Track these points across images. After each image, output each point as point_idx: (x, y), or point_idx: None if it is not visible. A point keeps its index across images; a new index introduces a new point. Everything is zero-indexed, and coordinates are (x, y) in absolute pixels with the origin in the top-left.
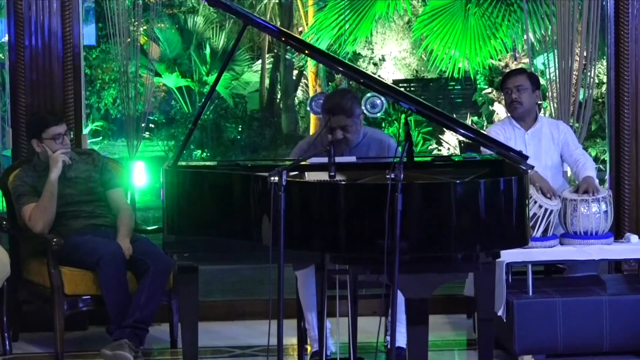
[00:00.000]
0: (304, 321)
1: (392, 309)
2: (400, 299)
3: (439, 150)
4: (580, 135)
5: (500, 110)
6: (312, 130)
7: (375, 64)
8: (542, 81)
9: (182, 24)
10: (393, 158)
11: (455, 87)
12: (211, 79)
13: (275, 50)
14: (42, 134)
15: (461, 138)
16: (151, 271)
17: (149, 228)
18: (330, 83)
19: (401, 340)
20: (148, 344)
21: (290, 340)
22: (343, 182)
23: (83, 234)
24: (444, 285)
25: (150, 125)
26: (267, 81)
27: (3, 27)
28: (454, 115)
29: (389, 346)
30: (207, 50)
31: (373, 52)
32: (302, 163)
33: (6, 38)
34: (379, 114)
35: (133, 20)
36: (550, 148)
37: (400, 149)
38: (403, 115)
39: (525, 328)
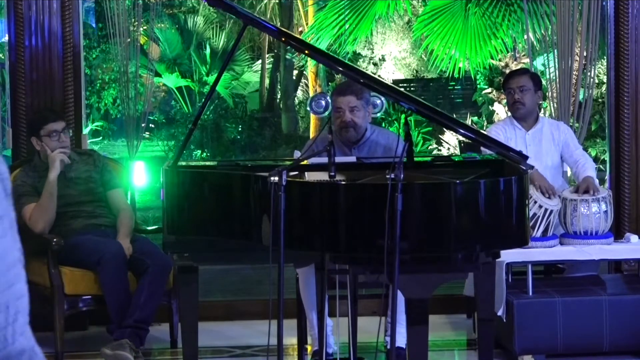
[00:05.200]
0: (306, 320)
1: (392, 308)
2: (400, 299)
3: (439, 150)
4: (580, 135)
5: (500, 110)
6: (312, 130)
7: (375, 64)
8: (542, 81)
9: (182, 24)
10: (393, 158)
11: (455, 87)
12: (211, 79)
13: (275, 50)
14: (40, 130)
15: (461, 138)
16: (150, 271)
17: (149, 228)
18: (330, 83)
19: (401, 341)
20: (148, 344)
21: (290, 340)
22: (343, 182)
23: (83, 234)
24: (444, 285)
25: (150, 125)
26: (267, 81)
27: (3, 27)
28: (454, 115)
29: (388, 346)
30: (207, 50)
31: (373, 52)
32: (302, 163)
33: (6, 38)
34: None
35: (133, 20)
36: (551, 148)
37: (400, 149)
38: (403, 115)
39: (525, 328)
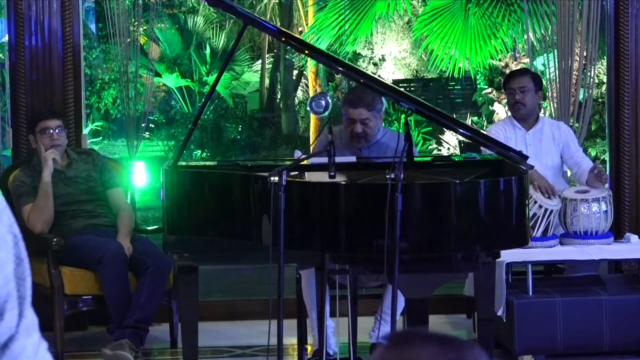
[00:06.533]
0: (306, 320)
1: (392, 308)
2: (389, 299)
3: (439, 150)
4: (580, 135)
5: (500, 110)
6: (312, 130)
7: (375, 64)
8: (542, 81)
9: (182, 24)
10: (393, 158)
11: (455, 87)
12: (211, 79)
13: (275, 50)
14: (35, 127)
15: (461, 138)
16: (150, 271)
17: (149, 228)
18: (330, 83)
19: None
20: (148, 344)
21: (290, 340)
22: (343, 182)
23: (83, 233)
24: (444, 285)
25: (150, 125)
26: (267, 81)
27: (3, 27)
28: (454, 115)
29: (372, 340)
30: (207, 50)
31: (373, 52)
32: (302, 163)
33: (6, 38)
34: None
35: (133, 20)
36: (551, 148)
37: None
38: (403, 115)
39: (525, 328)
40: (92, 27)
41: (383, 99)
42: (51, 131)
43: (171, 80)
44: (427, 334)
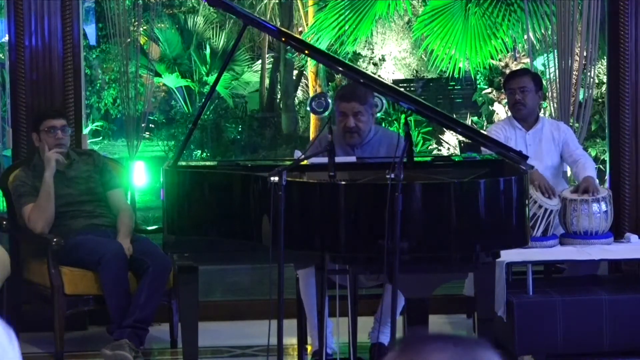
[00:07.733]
0: (306, 320)
1: (392, 308)
2: (389, 300)
3: (439, 150)
4: (580, 135)
5: (500, 110)
6: (312, 130)
7: (375, 64)
8: (543, 81)
9: (182, 24)
10: (393, 158)
11: (455, 87)
12: (211, 79)
13: (275, 50)
14: (40, 126)
15: (461, 138)
16: (151, 271)
17: (149, 228)
18: (330, 83)
19: (384, 339)
20: (148, 344)
21: (290, 340)
22: (343, 182)
23: (83, 233)
24: (444, 285)
25: (150, 125)
26: (267, 81)
27: (3, 27)
28: (454, 115)
29: (372, 340)
30: (207, 50)
31: (373, 52)
32: (302, 163)
33: (6, 38)
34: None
35: (133, 20)
36: (551, 149)
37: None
38: (403, 115)
39: (525, 328)
40: (92, 27)
41: (383, 98)
42: (57, 130)
43: (171, 80)
44: (439, 335)
